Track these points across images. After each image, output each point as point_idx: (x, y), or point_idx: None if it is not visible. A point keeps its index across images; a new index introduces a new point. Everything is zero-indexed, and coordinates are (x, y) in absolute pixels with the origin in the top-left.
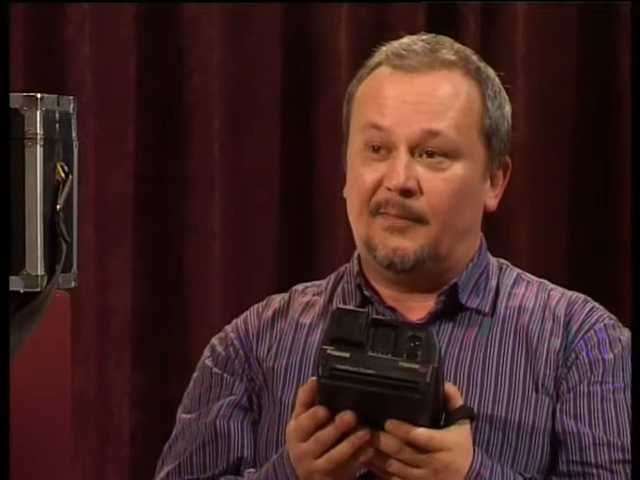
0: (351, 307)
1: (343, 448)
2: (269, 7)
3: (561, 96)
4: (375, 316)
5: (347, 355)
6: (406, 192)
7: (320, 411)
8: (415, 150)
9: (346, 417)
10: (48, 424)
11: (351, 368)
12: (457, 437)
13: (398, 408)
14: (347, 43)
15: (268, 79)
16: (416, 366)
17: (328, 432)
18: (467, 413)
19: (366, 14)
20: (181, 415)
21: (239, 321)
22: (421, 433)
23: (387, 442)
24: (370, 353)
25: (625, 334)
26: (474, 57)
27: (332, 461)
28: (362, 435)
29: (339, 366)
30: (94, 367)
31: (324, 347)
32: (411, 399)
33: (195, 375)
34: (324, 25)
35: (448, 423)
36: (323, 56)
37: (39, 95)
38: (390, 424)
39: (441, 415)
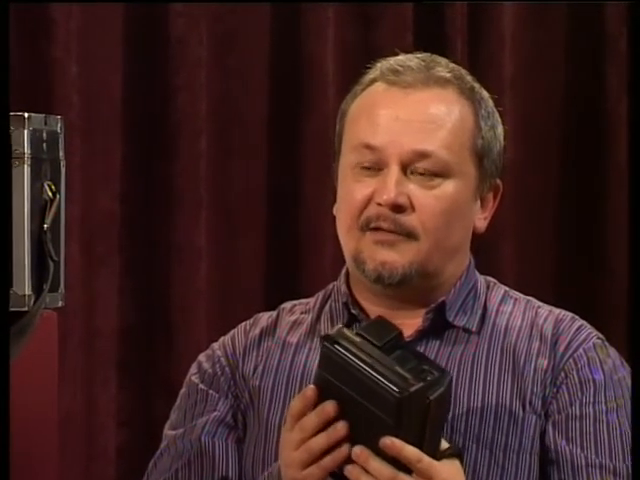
0: (390, 322)
1: (320, 439)
2: (256, 26)
3: (548, 116)
4: (407, 342)
5: (357, 340)
6: (397, 208)
7: (309, 391)
8: (407, 168)
9: (327, 407)
10: (35, 443)
11: (352, 348)
12: (449, 471)
13: (375, 409)
14: (334, 63)
15: (255, 98)
16: (409, 376)
17: (310, 418)
18: (455, 451)
19: (353, 34)
20: (167, 431)
21: (226, 339)
22: (412, 452)
23: (379, 469)
24: (378, 350)
25: (613, 353)
26: (469, 77)
27: (308, 450)
28: (340, 428)
29: (343, 342)
30: (80, 386)
31: (344, 328)
32: (386, 401)
33: (182, 391)
34: (311, 45)
35: (437, 459)
36: (310, 75)
37: (26, 114)
38: (386, 439)
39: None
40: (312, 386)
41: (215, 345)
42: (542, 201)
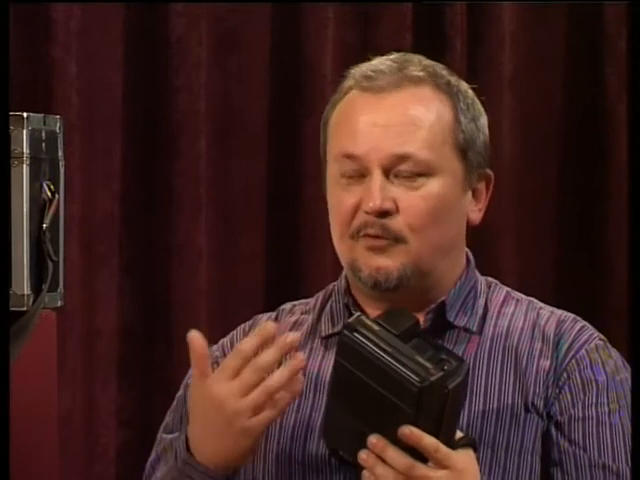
0: (408, 311)
1: (279, 375)
2: (256, 26)
3: (548, 115)
4: (423, 331)
5: (376, 328)
6: (383, 213)
7: (269, 325)
8: (389, 172)
9: (291, 337)
10: (35, 443)
11: (371, 336)
12: (465, 461)
13: (394, 398)
14: (333, 64)
15: (255, 99)
16: (429, 366)
17: (267, 355)
18: (469, 441)
19: (352, 35)
20: (163, 435)
21: (225, 340)
22: (430, 442)
23: (396, 458)
24: (397, 339)
25: (614, 354)
26: (444, 72)
27: (266, 392)
28: (299, 360)
29: (363, 330)
30: (80, 386)
31: (363, 316)
32: (406, 390)
33: (179, 394)
34: (311, 45)
35: (452, 449)
36: (310, 76)
37: (25, 114)
38: (405, 428)
39: (447, 443)
40: (271, 322)
41: (214, 347)
42: (542, 200)
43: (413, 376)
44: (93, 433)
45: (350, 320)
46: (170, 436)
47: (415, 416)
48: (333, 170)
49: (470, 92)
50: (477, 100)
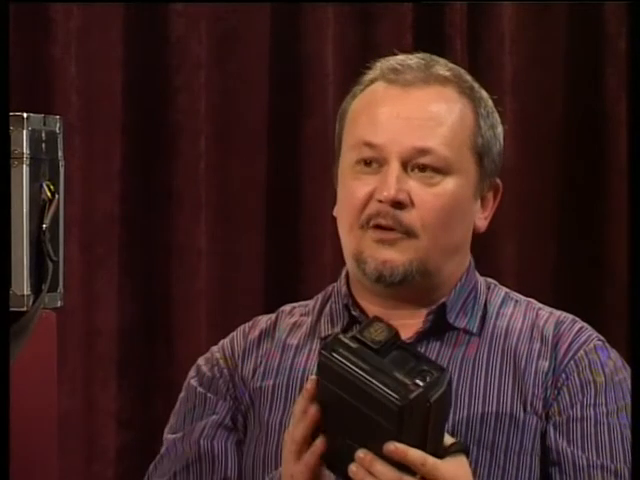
0: (386, 322)
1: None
2: (256, 26)
3: (548, 115)
4: (404, 341)
5: (354, 346)
6: (397, 204)
7: (312, 408)
8: (407, 165)
9: (311, 410)
10: (34, 444)
11: (350, 356)
12: (454, 469)
13: (377, 416)
14: (334, 63)
15: (255, 99)
16: (408, 382)
17: (300, 429)
18: (460, 447)
19: (353, 35)
20: (167, 435)
21: (225, 341)
22: (416, 456)
23: (384, 472)
24: (376, 355)
25: (613, 355)
26: (468, 77)
27: (310, 462)
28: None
29: (340, 350)
30: (79, 387)
31: (340, 334)
32: (387, 409)
33: (181, 395)
34: (311, 45)
35: (441, 457)
36: (310, 75)
37: (25, 115)
38: (390, 444)
39: (435, 453)
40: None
41: (214, 348)
42: (542, 201)
43: (393, 395)
44: (92, 433)
45: (327, 340)
46: (173, 436)
47: (399, 432)
48: (348, 158)
49: (490, 101)
50: (495, 110)
